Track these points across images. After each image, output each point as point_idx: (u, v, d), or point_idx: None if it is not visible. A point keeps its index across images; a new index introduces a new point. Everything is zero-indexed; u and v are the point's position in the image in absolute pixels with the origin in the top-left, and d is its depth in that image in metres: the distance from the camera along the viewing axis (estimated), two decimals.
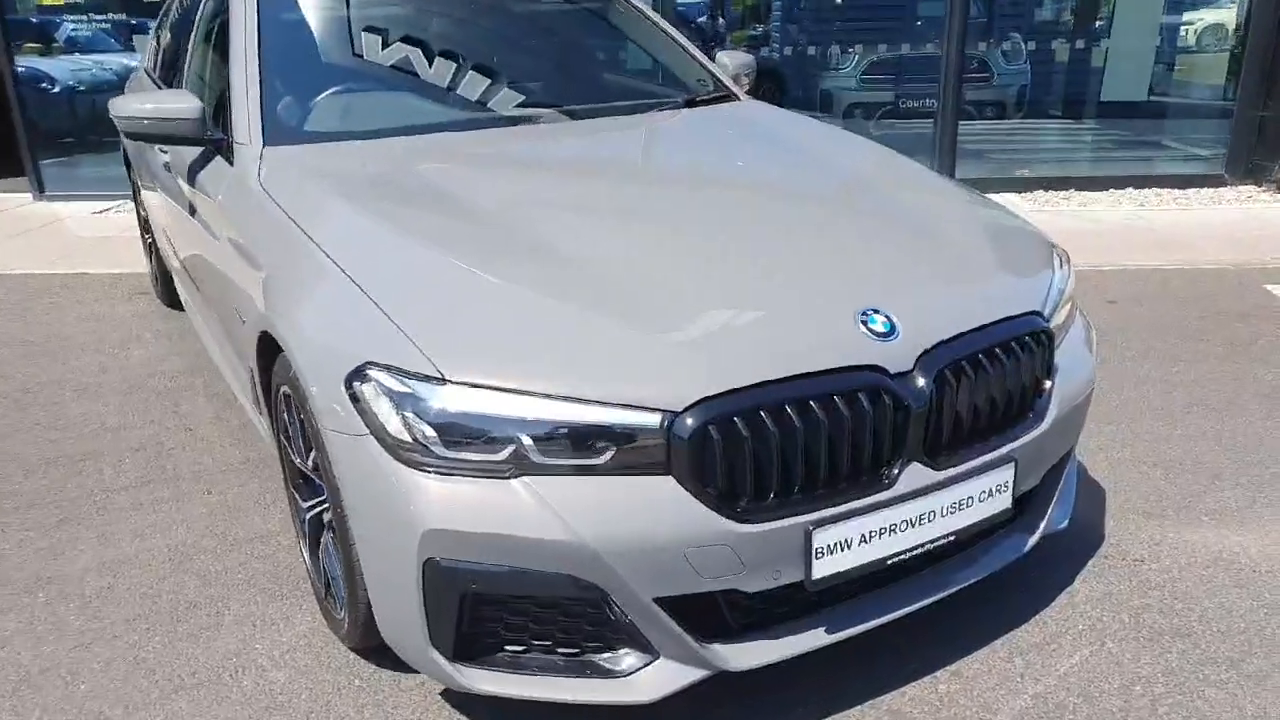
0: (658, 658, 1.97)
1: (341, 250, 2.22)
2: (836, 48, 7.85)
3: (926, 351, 2.04)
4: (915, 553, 2.07)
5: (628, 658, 1.98)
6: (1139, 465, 3.29)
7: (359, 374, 1.90)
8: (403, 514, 1.85)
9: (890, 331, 2.03)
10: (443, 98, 3.24)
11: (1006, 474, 2.16)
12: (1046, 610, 2.54)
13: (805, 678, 2.30)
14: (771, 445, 1.87)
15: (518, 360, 1.88)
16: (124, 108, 2.96)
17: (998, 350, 2.13)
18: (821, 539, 1.94)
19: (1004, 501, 2.18)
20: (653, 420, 1.84)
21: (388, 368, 1.88)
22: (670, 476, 1.86)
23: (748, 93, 3.83)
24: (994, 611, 2.53)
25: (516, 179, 2.74)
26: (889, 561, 2.04)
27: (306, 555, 2.54)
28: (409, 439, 1.84)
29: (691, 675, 1.98)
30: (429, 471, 1.85)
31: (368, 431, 1.89)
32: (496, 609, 1.94)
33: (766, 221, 2.48)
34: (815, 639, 2.07)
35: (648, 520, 1.83)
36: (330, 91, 3.18)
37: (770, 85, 7.93)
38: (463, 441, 1.83)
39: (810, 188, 2.80)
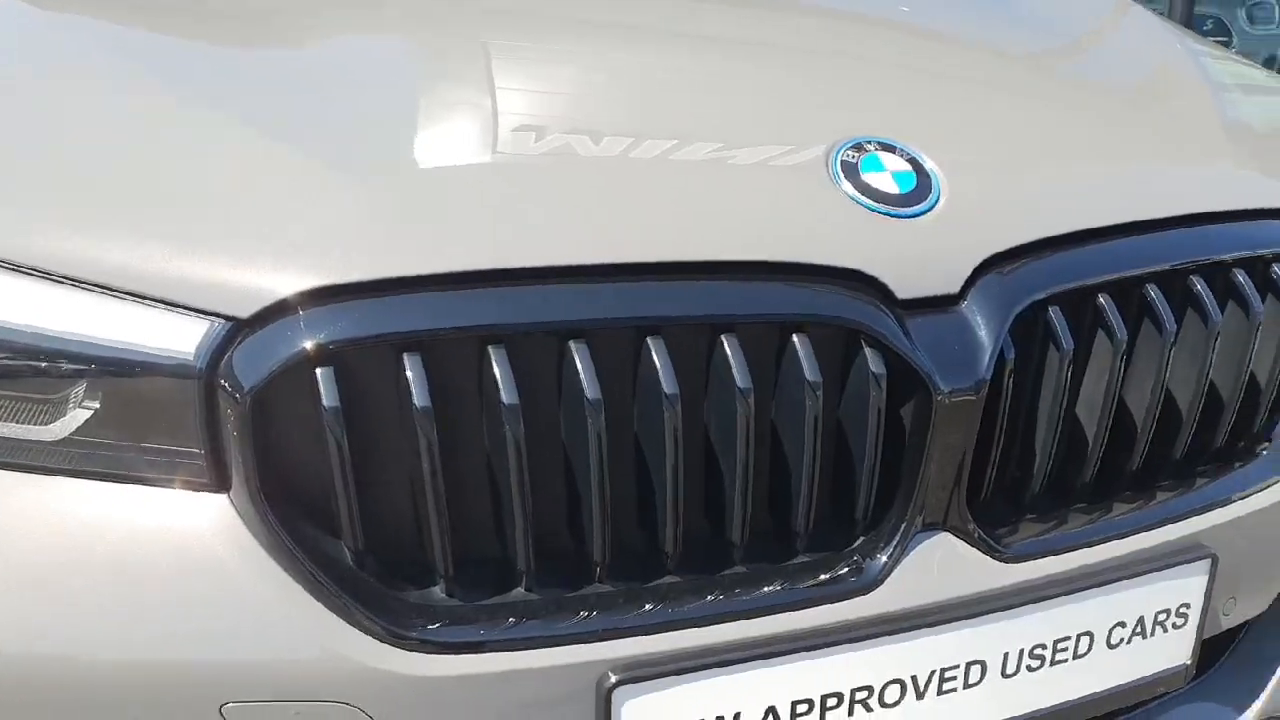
0: None
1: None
2: None
3: (1001, 257, 0.85)
4: None
5: None
6: None
7: None
8: None
9: (913, 190, 0.81)
10: None
11: (1189, 584, 0.92)
12: None
13: None
14: (505, 435, 0.76)
15: None
16: None
17: (1182, 279, 0.92)
18: (642, 712, 0.78)
19: (1175, 649, 0.94)
20: (180, 337, 0.75)
21: None
22: (223, 495, 0.77)
23: None
24: None
25: None
26: None
27: None
28: None
29: None
30: None
31: None
32: None
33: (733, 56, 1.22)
34: None
35: (139, 603, 0.74)
36: None
37: None
38: None
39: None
